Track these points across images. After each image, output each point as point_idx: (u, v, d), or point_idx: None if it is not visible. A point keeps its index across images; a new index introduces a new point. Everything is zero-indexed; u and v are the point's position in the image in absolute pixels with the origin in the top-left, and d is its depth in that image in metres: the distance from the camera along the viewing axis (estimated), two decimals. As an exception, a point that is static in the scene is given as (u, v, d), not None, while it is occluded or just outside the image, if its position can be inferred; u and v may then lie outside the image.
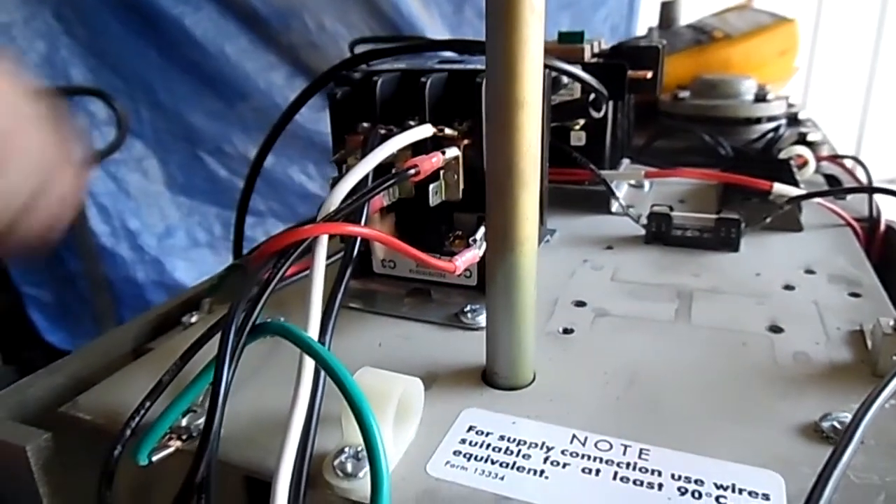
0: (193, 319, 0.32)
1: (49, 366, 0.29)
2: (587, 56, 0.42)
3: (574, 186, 0.44)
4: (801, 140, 0.56)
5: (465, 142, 0.28)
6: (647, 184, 0.50)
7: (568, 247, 0.39)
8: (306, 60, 1.03)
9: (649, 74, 0.42)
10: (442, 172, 0.28)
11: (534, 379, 0.26)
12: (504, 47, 0.21)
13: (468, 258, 0.28)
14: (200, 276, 1.01)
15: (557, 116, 0.38)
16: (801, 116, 0.66)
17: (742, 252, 0.37)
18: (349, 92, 0.31)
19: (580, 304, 0.32)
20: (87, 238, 0.95)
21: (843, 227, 0.41)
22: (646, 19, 1.32)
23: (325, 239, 0.23)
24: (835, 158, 0.52)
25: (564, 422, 0.23)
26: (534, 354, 0.25)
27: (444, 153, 0.27)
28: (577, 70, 0.33)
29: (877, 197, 0.45)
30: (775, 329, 0.29)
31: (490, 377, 0.26)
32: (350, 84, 0.31)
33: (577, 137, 0.43)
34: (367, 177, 0.26)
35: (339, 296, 0.24)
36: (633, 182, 0.50)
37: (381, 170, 0.26)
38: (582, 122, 0.42)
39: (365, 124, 0.30)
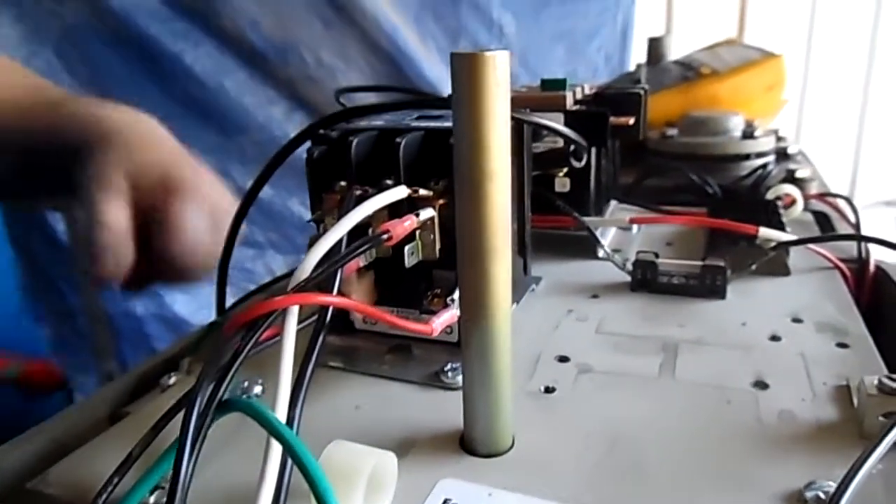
0: (172, 381, 0.32)
1: (22, 434, 0.29)
2: (569, 103, 0.42)
3: (560, 232, 0.44)
4: (790, 177, 0.56)
5: (441, 201, 0.28)
6: (634, 227, 0.50)
7: (554, 296, 0.39)
8: (304, 94, 1.04)
9: (631, 121, 0.42)
10: (418, 233, 0.28)
11: (513, 444, 0.25)
12: (470, 121, 0.21)
13: (445, 319, 0.28)
14: (199, 309, 1.01)
15: (539, 165, 0.38)
16: (790, 151, 0.66)
17: (729, 299, 0.37)
18: (325, 151, 0.31)
19: (563, 359, 0.31)
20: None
21: (832, 270, 0.40)
22: (640, 48, 1.33)
23: (295, 309, 0.23)
24: (823, 196, 0.52)
25: (542, 492, 0.22)
26: (512, 419, 0.25)
27: (417, 215, 0.27)
28: (554, 124, 0.34)
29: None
30: (761, 384, 0.28)
31: (468, 444, 0.25)
32: (327, 143, 0.31)
33: (562, 184, 0.43)
34: (341, 240, 0.26)
35: (311, 367, 0.23)
36: (623, 227, 0.50)
37: (357, 230, 0.26)
38: (565, 169, 0.42)
39: (342, 183, 0.30)
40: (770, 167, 0.56)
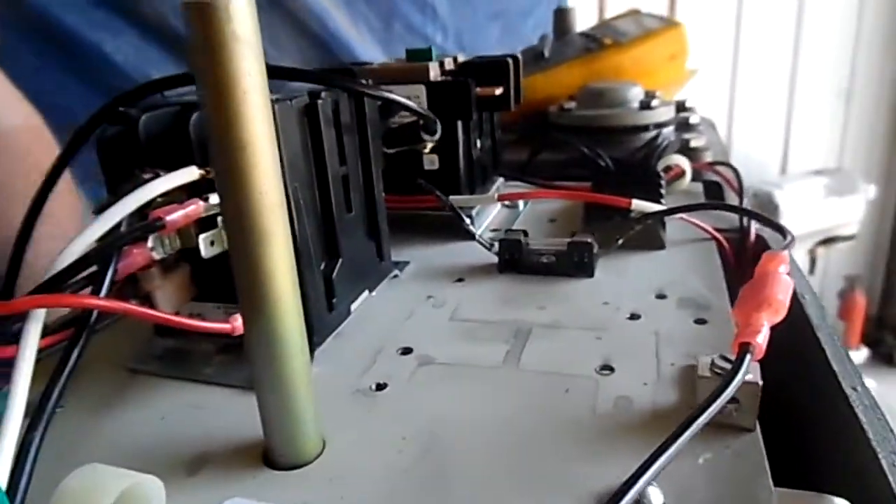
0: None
1: None
2: (433, 74, 0.39)
3: (436, 213, 0.41)
4: (684, 148, 0.54)
5: (244, 183, 0.25)
6: (521, 203, 0.48)
7: (416, 282, 0.36)
8: None
9: (499, 91, 0.39)
10: (219, 219, 0.25)
11: (322, 452, 0.22)
12: (212, 84, 0.18)
13: (252, 315, 0.25)
14: None
15: (392, 142, 0.36)
16: (692, 121, 0.64)
17: (597, 277, 0.35)
18: (121, 131, 0.27)
19: (406, 351, 0.29)
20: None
21: (709, 242, 0.39)
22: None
23: (39, 315, 0.20)
24: (711, 166, 0.50)
25: (337, 509, 0.20)
26: (316, 425, 0.22)
27: (207, 199, 0.23)
28: (385, 93, 0.30)
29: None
30: (607, 369, 0.26)
31: (268, 456, 0.22)
32: (124, 122, 0.27)
33: (430, 161, 0.40)
34: (115, 231, 0.22)
35: (53, 399, 0.20)
36: (507, 203, 0.47)
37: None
38: (430, 145, 0.39)
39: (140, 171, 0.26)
40: (663, 138, 0.54)
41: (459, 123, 0.39)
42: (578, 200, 0.42)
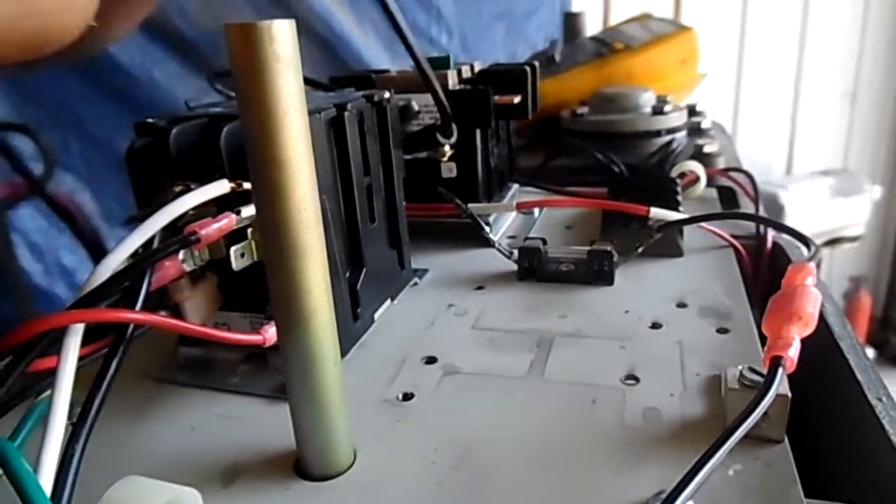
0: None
1: None
2: (451, 83, 0.39)
3: (453, 220, 0.42)
4: (697, 153, 0.55)
5: (273, 195, 0.25)
6: (536, 210, 0.48)
7: (437, 289, 0.36)
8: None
9: (517, 99, 0.40)
10: (250, 231, 0.25)
11: (353, 463, 0.23)
12: (252, 104, 0.18)
13: (282, 326, 0.25)
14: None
15: (410, 148, 0.36)
16: (704, 126, 0.65)
17: (617, 285, 0.35)
18: (150, 142, 0.27)
19: (431, 360, 0.29)
20: (17, 278, 0.89)
21: (727, 249, 0.39)
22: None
23: (78, 328, 0.20)
24: (725, 172, 0.50)
25: (372, 520, 0.20)
26: (348, 436, 0.22)
27: (238, 213, 0.24)
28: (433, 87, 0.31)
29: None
30: (632, 379, 0.26)
31: (300, 466, 0.22)
32: (152, 132, 0.27)
33: (448, 169, 0.40)
34: (150, 245, 0.22)
35: (94, 410, 0.20)
36: (524, 210, 0.48)
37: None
38: (449, 152, 0.39)
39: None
40: (676, 143, 0.54)
41: (478, 131, 0.40)
42: (596, 208, 0.42)
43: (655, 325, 0.31)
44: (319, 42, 1.02)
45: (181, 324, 0.22)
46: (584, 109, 0.61)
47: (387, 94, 0.31)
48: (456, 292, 0.36)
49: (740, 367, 0.23)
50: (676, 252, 0.38)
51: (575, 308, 0.33)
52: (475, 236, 0.41)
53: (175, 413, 0.27)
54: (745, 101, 1.95)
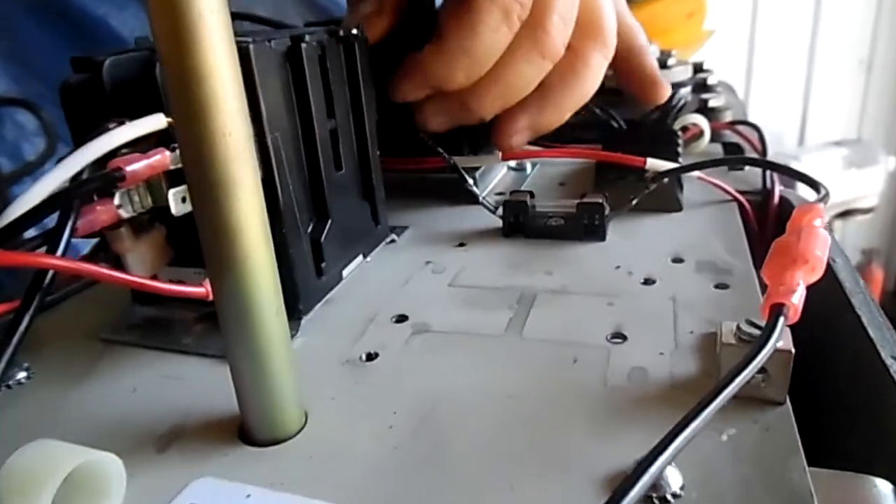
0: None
1: None
2: None
3: (435, 176, 0.39)
4: (702, 108, 0.51)
5: (217, 132, 0.23)
6: (528, 165, 0.45)
7: (415, 246, 0.34)
8: None
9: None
10: (191, 172, 0.23)
11: (304, 427, 0.20)
12: (160, 5, 0.15)
13: (229, 278, 0.23)
14: None
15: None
16: (710, 82, 0.61)
17: (609, 240, 0.32)
18: (87, 78, 0.24)
19: (401, 319, 0.27)
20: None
21: (730, 204, 0.36)
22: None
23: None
24: (731, 126, 0.47)
25: (317, 489, 0.18)
26: (296, 396, 0.20)
27: (173, 149, 0.21)
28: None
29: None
30: (619, 337, 0.24)
31: (244, 430, 0.20)
32: (91, 68, 0.25)
33: (430, 119, 0.37)
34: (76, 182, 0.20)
35: (7, 353, 0.18)
36: (513, 165, 0.45)
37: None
38: (432, 100, 0.36)
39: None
40: (679, 98, 0.51)
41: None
42: (590, 160, 0.39)
43: (648, 281, 0.28)
44: (315, 7, 0.99)
45: (114, 273, 0.20)
46: (583, 64, 0.58)
47: (355, 30, 0.29)
48: (436, 249, 0.33)
49: (737, 322, 0.20)
50: (675, 206, 0.35)
51: (562, 264, 0.30)
52: (461, 192, 0.38)
53: (118, 374, 0.24)
54: (757, 69, 1.89)
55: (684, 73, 0.57)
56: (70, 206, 0.19)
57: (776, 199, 0.37)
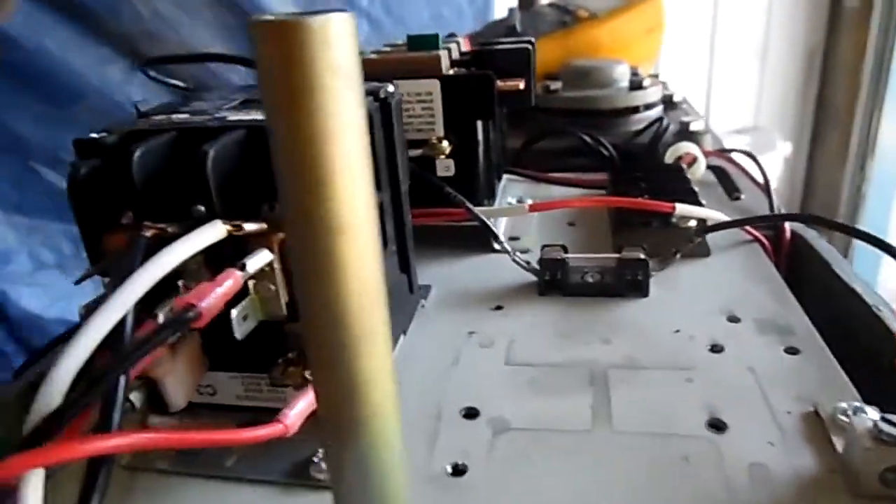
0: None
1: None
2: (445, 66, 0.34)
3: (446, 224, 0.36)
4: (685, 130, 0.51)
5: (281, 236, 0.19)
6: (529, 202, 0.43)
7: (448, 311, 0.31)
8: (144, 51, 0.90)
9: (522, 84, 0.34)
10: (252, 285, 0.19)
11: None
12: (298, 143, 0.12)
13: (304, 406, 0.19)
14: (52, 302, 0.88)
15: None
16: (676, 99, 0.62)
17: (652, 296, 0.31)
18: (98, 166, 0.20)
19: (471, 413, 0.24)
20: None
21: (752, 244, 0.36)
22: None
23: (37, 476, 0.14)
24: (723, 154, 0.47)
25: None
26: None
27: (243, 267, 0.18)
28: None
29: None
30: (717, 425, 0.23)
31: None
32: (99, 153, 0.21)
33: (445, 167, 0.35)
34: (121, 327, 0.16)
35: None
36: (512, 202, 0.43)
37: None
38: (448, 148, 0.34)
39: (130, 214, 0.20)
40: (666, 123, 0.51)
41: (479, 123, 0.34)
42: (615, 206, 0.38)
43: (715, 348, 0.27)
44: (230, 4, 0.94)
45: (175, 437, 0.16)
46: (558, 85, 0.57)
47: (391, 88, 0.26)
48: (472, 315, 0.31)
49: (870, 418, 0.19)
50: (705, 252, 0.34)
51: (616, 329, 0.29)
52: (476, 238, 0.36)
53: (161, 517, 0.21)
54: (664, 63, 1.96)
55: (657, 94, 0.57)
56: (129, 370, 0.15)
57: (787, 234, 0.37)
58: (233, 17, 0.94)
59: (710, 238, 0.36)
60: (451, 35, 0.62)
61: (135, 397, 0.20)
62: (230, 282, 0.17)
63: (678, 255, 0.32)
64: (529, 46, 0.36)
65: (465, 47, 0.40)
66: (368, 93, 0.24)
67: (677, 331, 0.28)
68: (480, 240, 0.36)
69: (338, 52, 0.11)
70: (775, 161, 2.03)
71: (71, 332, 0.30)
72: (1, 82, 0.84)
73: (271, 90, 0.12)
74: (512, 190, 0.46)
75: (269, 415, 0.24)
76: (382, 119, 0.25)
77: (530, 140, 0.51)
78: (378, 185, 0.25)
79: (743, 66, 2.10)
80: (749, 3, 1.99)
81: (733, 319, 0.29)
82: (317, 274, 0.13)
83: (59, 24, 0.86)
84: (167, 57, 0.58)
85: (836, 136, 1.88)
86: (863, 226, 1.55)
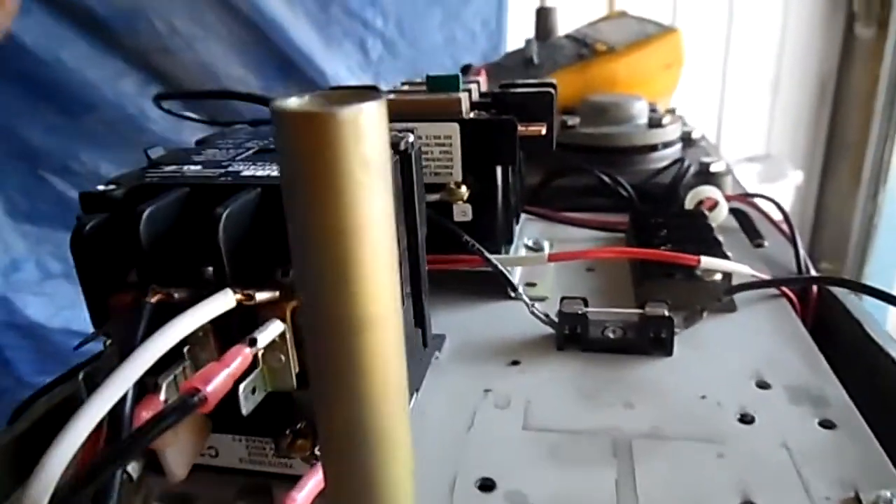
0: None
1: None
2: (465, 109, 0.33)
3: (461, 269, 0.35)
4: (705, 171, 0.50)
5: (293, 304, 0.18)
6: (547, 245, 0.42)
7: (463, 366, 0.30)
8: (159, 66, 0.90)
9: (544, 130, 0.33)
10: (260, 354, 0.18)
11: None
12: (322, 239, 0.11)
13: (313, 486, 0.18)
14: (58, 311, 0.88)
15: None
16: (694, 136, 0.60)
17: (676, 355, 0.30)
18: (105, 222, 0.19)
19: (487, 485, 0.23)
20: None
21: (779, 299, 0.34)
22: (515, 12, 1.26)
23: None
24: (746, 198, 0.46)
25: None
26: None
27: (253, 342, 0.17)
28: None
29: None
30: (751, 508, 0.21)
31: None
32: (107, 207, 0.20)
33: (462, 211, 0.33)
34: (119, 409, 0.15)
35: None
36: (529, 244, 0.42)
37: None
38: (466, 193, 0.33)
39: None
40: (687, 163, 0.50)
41: (498, 168, 0.33)
42: (616, 233, 0.37)
43: (745, 418, 0.25)
44: (245, 22, 0.94)
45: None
46: (575, 120, 0.56)
47: (411, 138, 0.25)
48: (487, 371, 0.30)
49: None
50: (731, 307, 0.33)
51: (639, 391, 0.27)
52: (491, 284, 0.35)
53: None
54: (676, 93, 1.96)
55: (676, 131, 0.56)
56: (126, 463, 0.14)
57: (815, 289, 0.36)
58: (245, 33, 0.95)
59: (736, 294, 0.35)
60: (468, 66, 0.62)
61: (133, 468, 0.19)
62: (239, 360, 0.16)
63: (704, 314, 0.31)
64: (552, 91, 0.35)
65: (484, 84, 0.39)
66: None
67: (704, 396, 0.27)
68: (496, 285, 0.35)
69: (369, 145, 0.10)
70: (787, 188, 2.02)
71: (67, 375, 0.29)
72: (14, 91, 0.85)
73: (295, 183, 0.11)
74: (528, 229, 0.45)
75: (273, 480, 0.22)
76: (402, 171, 0.24)
77: (548, 177, 0.50)
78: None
79: (755, 95, 2.09)
80: (762, 32, 1.99)
81: (763, 385, 0.27)
82: (336, 375, 0.12)
83: (77, 38, 0.87)
84: (179, 93, 0.58)
85: (848, 165, 1.87)
86: (873, 257, 1.53)
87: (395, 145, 0.24)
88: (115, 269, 0.19)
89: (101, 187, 0.20)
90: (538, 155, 0.52)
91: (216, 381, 0.15)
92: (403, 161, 0.24)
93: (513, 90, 0.35)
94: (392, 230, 0.12)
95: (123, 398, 0.15)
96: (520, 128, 0.32)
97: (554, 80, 0.37)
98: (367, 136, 0.10)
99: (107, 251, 0.19)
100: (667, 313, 0.29)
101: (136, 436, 0.14)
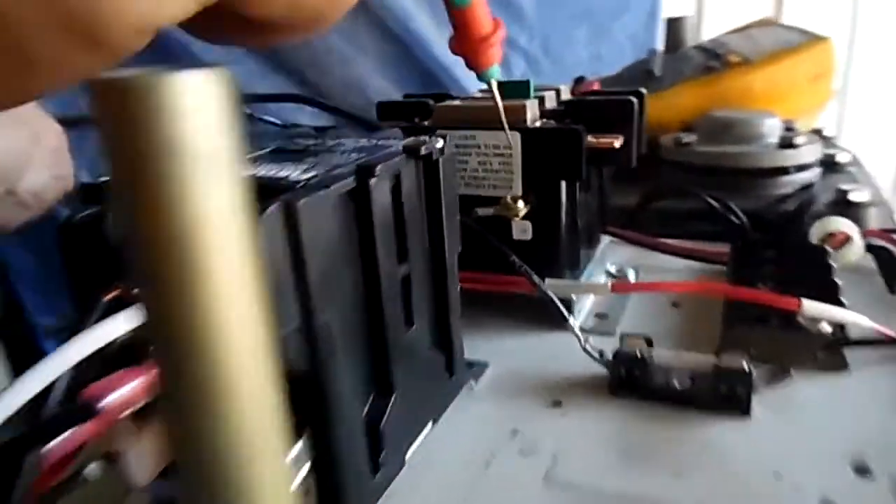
0: None
1: None
2: (530, 117, 0.30)
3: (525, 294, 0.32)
4: (841, 200, 0.43)
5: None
6: (632, 273, 0.37)
7: (497, 401, 0.27)
8: (314, 83, 0.95)
9: (618, 142, 0.29)
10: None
11: None
12: (133, 239, 0.09)
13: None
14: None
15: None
16: (840, 159, 0.52)
17: (754, 417, 0.25)
18: (95, 215, 0.19)
19: (482, 544, 0.20)
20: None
21: (908, 362, 0.28)
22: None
23: None
24: (887, 234, 0.38)
25: None
26: None
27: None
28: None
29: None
30: None
31: None
32: (100, 198, 0.19)
33: (521, 229, 0.30)
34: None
35: None
36: (612, 271, 0.37)
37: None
38: (524, 209, 0.30)
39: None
40: (816, 189, 0.42)
41: (563, 183, 0.30)
42: (722, 295, 0.31)
43: (828, 511, 0.20)
44: (396, 42, 0.96)
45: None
46: (692, 137, 0.50)
47: (440, 143, 0.22)
48: (524, 409, 0.26)
49: None
50: (840, 366, 0.27)
51: (695, 459, 0.23)
52: (547, 310, 0.31)
53: None
54: (850, 117, 1.73)
55: (813, 153, 0.48)
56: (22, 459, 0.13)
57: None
58: (394, 54, 0.97)
59: (850, 350, 0.28)
60: (580, 78, 0.58)
61: (92, 469, 0.18)
62: (142, 380, 0.14)
63: (790, 374, 0.25)
64: (634, 99, 0.30)
65: (567, 96, 0.35)
66: (406, 149, 0.21)
67: (778, 475, 0.22)
68: (553, 314, 0.31)
69: (179, 126, 0.08)
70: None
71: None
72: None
73: (109, 169, 0.09)
74: (615, 254, 0.40)
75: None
76: (422, 181, 0.22)
77: (647, 198, 0.45)
78: (404, 256, 0.21)
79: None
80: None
81: (862, 471, 0.22)
82: (185, 405, 0.10)
83: (244, 57, 0.93)
84: (269, 96, 0.60)
85: None
86: None
87: (414, 149, 0.21)
88: (104, 263, 0.19)
89: (102, 179, 0.20)
90: (643, 172, 0.48)
91: (113, 395, 0.14)
92: (427, 168, 0.22)
93: (588, 99, 0.32)
94: (236, 243, 0.09)
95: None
96: (590, 139, 0.29)
97: (641, 89, 0.32)
98: (174, 109, 0.08)
99: (94, 244, 0.19)
100: (745, 366, 0.24)
101: (37, 429, 0.13)
